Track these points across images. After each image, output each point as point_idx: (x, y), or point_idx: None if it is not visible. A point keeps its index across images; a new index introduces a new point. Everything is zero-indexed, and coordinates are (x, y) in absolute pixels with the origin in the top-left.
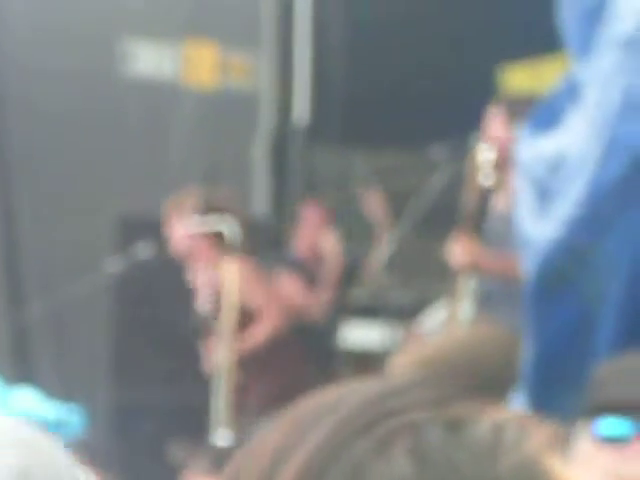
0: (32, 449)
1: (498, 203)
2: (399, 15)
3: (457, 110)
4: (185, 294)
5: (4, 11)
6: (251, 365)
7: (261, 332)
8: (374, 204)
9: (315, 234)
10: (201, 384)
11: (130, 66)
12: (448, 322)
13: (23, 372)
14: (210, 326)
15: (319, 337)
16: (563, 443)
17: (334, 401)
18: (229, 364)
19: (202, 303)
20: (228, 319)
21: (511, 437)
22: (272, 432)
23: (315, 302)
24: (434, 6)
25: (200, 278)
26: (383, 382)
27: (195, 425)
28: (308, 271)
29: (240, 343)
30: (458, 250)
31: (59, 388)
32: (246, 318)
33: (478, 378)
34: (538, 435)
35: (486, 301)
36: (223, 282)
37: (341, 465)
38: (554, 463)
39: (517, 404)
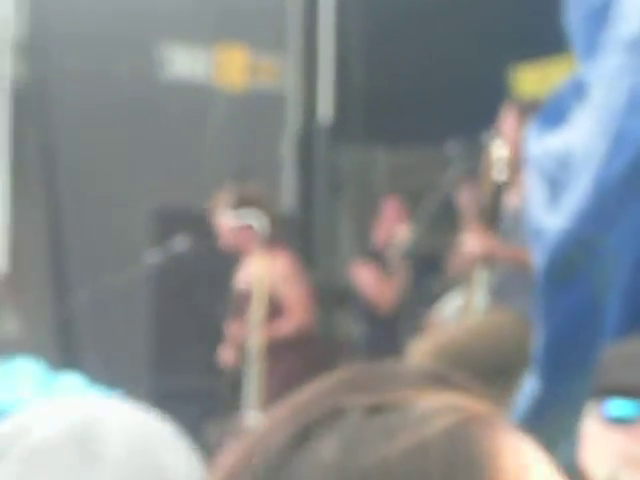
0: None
1: (511, 199)
2: (416, 17)
3: (472, 108)
4: (219, 285)
5: (49, 19)
6: (275, 351)
7: (286, 327)
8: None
9: (393, 227)
10: (234, 370)
11: (166, 70)
12: (463, 310)
13: (68, 360)
14: (241, 313)
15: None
16: (502, 429)
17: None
18: (259, 350)
19: (238, 291)
20: (258, 307)
21: (422, 419)
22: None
23: (390, 291)
24: (450, 6)
25: (241, 267)
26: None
27: (228, 408)
28: (385, 261)
29: (266, 331)
30: (472, 242)
31: (102, 375)
32: (276, 308)
33: (493, 363)
34: (468, 419)
35: (499, 290)
36: (255, 272)
37: (270, 450)
38: (496, 451)
39: (529, 387)
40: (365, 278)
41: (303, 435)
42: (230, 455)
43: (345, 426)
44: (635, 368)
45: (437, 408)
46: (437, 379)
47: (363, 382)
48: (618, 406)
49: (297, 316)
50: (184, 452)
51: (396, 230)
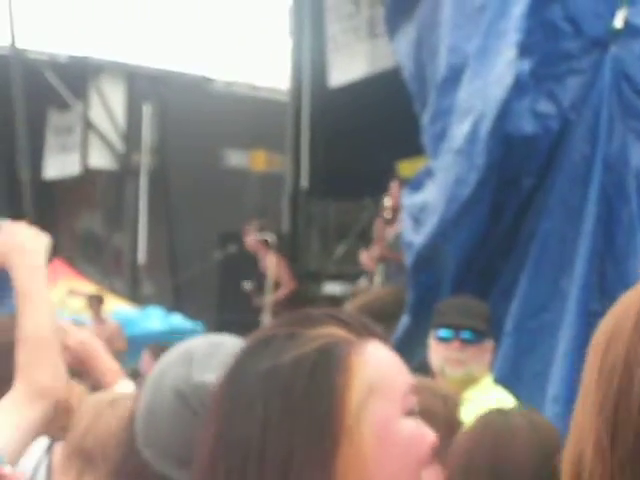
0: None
1: (396, 227)
2: (354, 129)
3: (376, 182)
4: (250, 270)
5: (169, 130)
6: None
7: (283, 293)
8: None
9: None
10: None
11: (226, 161)
12: (371, 285)
13: (177, 308)
14: (262, 289)
15: None
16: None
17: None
18: (270, 311)
19: (262, 277)
20: (270, 286)
21: (310, 342)
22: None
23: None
24: (373, 121)
25: (262, 264)
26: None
27: None
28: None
29: (274, 297)
30: (374, 251)
31: (195, 316)
32: (277, 284)
33: (385, 310)
34: (338, 342)
35: (388, 275)
36: (268, 267)
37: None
38: (348, 360)
39: (403, 323)
40: None
41: (252, 349)
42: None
43: (272, 346)
44: (450, 313)
45: (321, 335)
46: (337, 320)
47: (294, 321)
48: (443, 332)
49: (287, 287)
50: None
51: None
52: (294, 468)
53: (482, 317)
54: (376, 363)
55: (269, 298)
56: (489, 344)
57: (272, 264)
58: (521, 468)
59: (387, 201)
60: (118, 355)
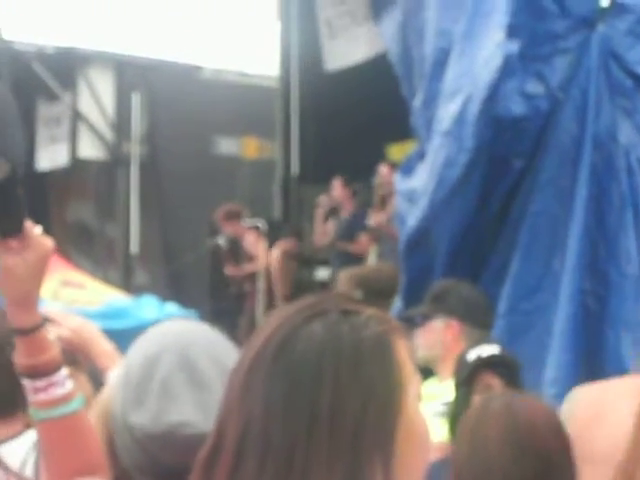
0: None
1: (390, 208)
2: (343, 117)
3: (366, 167)
4: (240, 254)
5: (160, 119)
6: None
7: (255, 266)
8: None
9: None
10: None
11: (217, 148)
12: (368, 262)
13: (171, 297)
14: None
15: None
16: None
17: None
18: (263, 283)
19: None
20: (261, 262)
21: (370, 321)
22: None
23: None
24: (364, 107)
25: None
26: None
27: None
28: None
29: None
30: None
31: (188, 305)
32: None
33: (378, 287)
34: (391, 324)
35: (382, 253)
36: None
37: (285, 331)
38: (398, 342)
39: (396, 304)
40: None
41: (304, 322)
42: (256, 337)
43: (328, 319)
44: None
45: (372, 316)
46: (355, 301)
47: (326, 300)
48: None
49: (260, 262)
50: (234, 351)
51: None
52: (365, 434)
53: (431, 298)
54: (409, 347)
55: (261, 285)
56: (442, 322)
57: (263, 251)
58: (492, 455)
59: (379, 179)
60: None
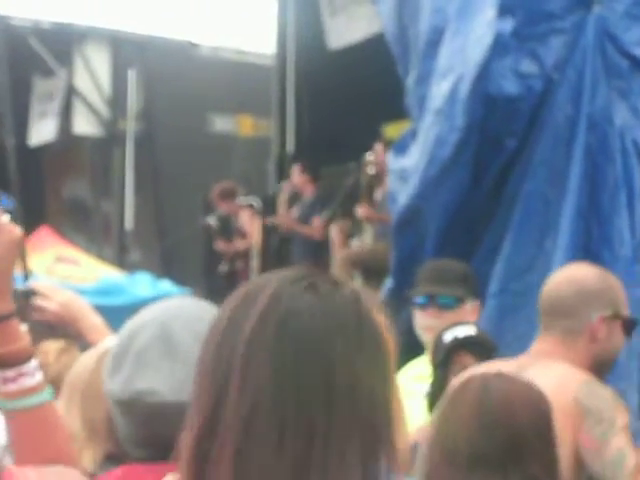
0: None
1: (383, 187)
2: (336, 100)
3: (362, 146)
4: (233, 230)
5: (156, 95)
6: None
7: (247, 243)
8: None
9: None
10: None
11: (212, 126)
12: (362, 243)
13: (164, 274)
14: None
15: None
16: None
17: (268, 279)
18: (257, 258)
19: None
20: (255, 240)
21: (351, 293)
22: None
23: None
24: (356, 93)
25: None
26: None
27: None
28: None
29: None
30: (362, 210)
31: (182, 282)
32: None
33: (374, 267)
34: (368, 297)
35: (377, 233)
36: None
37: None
38: (374, 310)
39: (388, 283)
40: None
41: (300, 293)
42: (242, 307)
43: (319, 291)
44: (426, 279)
45: (354, 290)
46: (327, 275)
47: (314, 272)
48: (419, 299)
49: (252, 238)
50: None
51: None
52: (377, 404)
53: (459, 280)
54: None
55: (255, 263)
56: (470, 306)
57: (257, 229)
58: (460, 429)
59: (369, 155)
60: None
